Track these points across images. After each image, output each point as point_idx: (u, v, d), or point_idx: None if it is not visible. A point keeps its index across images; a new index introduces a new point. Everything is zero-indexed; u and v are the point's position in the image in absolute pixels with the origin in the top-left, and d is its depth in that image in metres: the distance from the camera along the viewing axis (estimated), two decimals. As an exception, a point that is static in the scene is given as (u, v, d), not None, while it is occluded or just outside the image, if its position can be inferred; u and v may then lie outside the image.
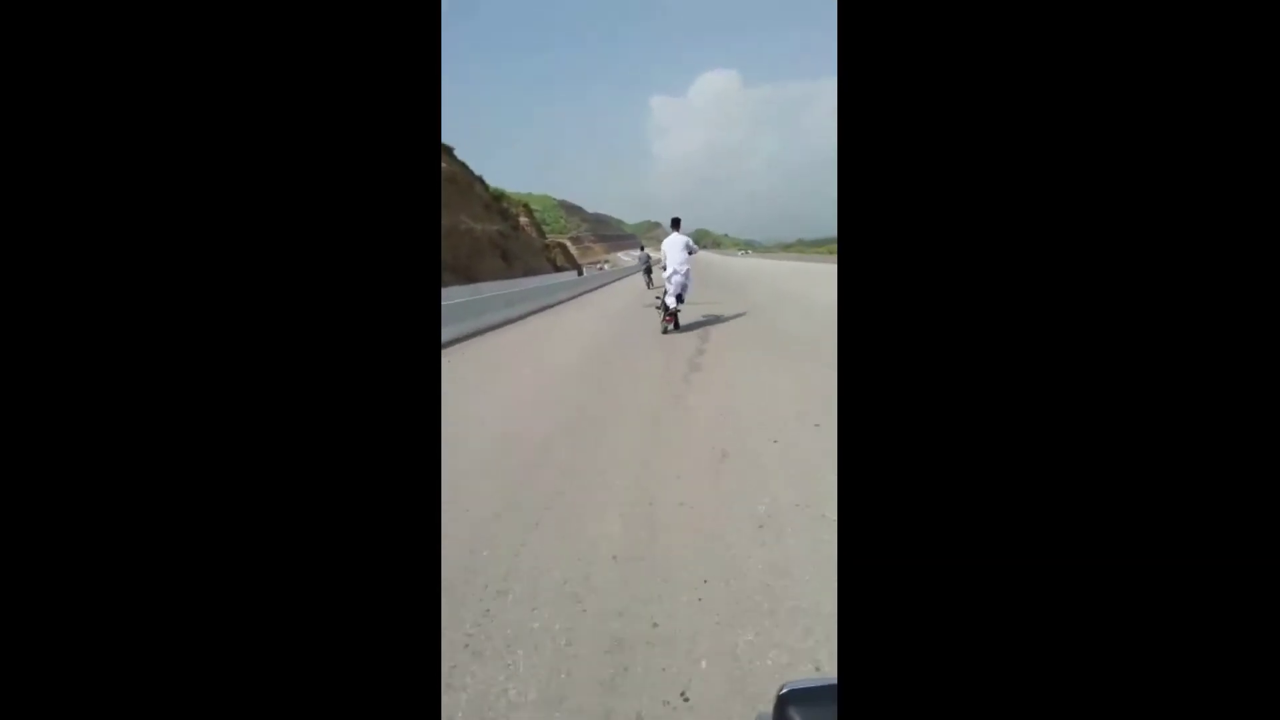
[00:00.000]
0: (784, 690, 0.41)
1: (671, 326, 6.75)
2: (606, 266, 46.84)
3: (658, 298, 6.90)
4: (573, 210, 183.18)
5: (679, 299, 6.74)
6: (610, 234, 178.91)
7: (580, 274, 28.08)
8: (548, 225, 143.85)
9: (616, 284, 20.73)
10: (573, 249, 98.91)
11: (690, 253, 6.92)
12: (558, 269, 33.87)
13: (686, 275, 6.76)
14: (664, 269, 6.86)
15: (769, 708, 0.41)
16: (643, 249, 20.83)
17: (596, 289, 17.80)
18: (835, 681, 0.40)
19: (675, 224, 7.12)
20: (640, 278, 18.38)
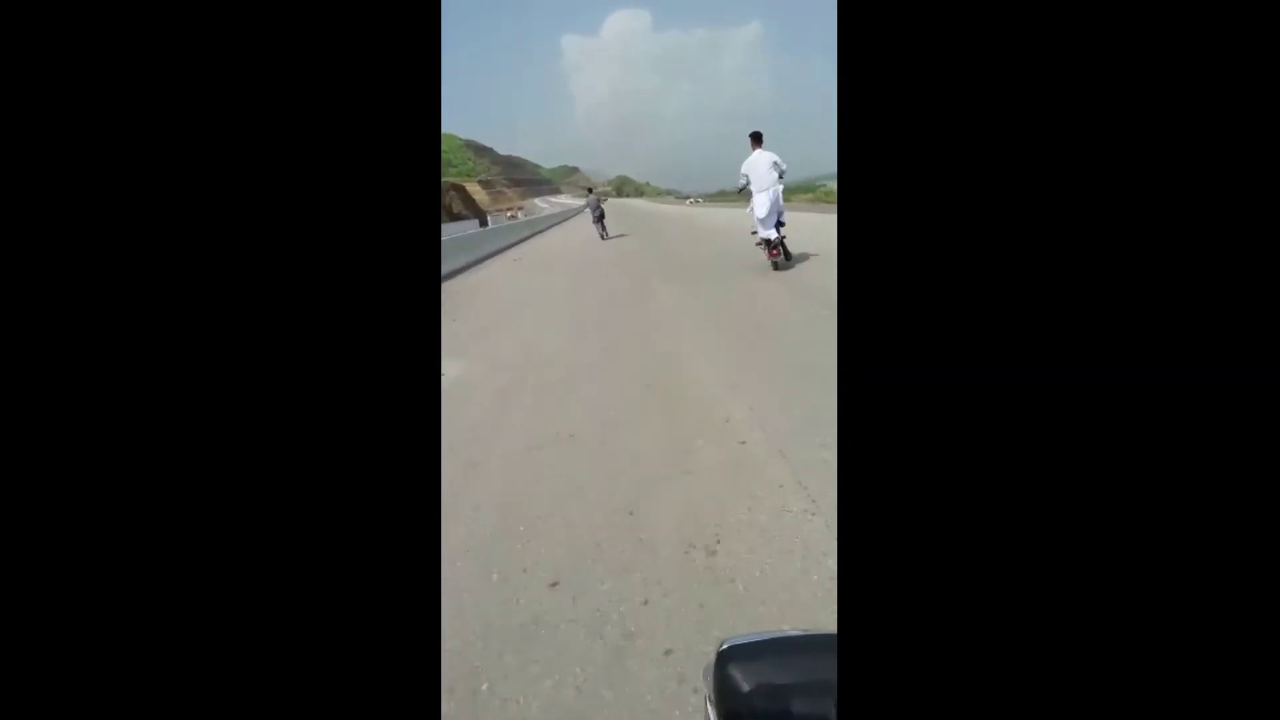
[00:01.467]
0: (724, 647, 0.41)
1: (782, 258, 5.98)
2: (520, 215, 39.71)
3: (754, 234, 6.23)
4: (482, 151, 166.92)
5: (779, 225, 5.95)
6: (525, 178, 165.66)
7: (484, 225, 22.02)
8: (453, 167, 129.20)
9: (540, 241, 16.03)
10: (479, 193, 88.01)
11: (780, 174, 5.82)
12: (454, 218, 27.09)
13: (778, 198, 5.81)
14: (748, 192, 5.98)
15: (711, 664, 0.41)
16: (590, 192, 17.65)
17: (503, 251, 13.24)
18: (773, 635, 0.42)
19: (756, 139, 5.87)
20: (589, 226, 16.02)
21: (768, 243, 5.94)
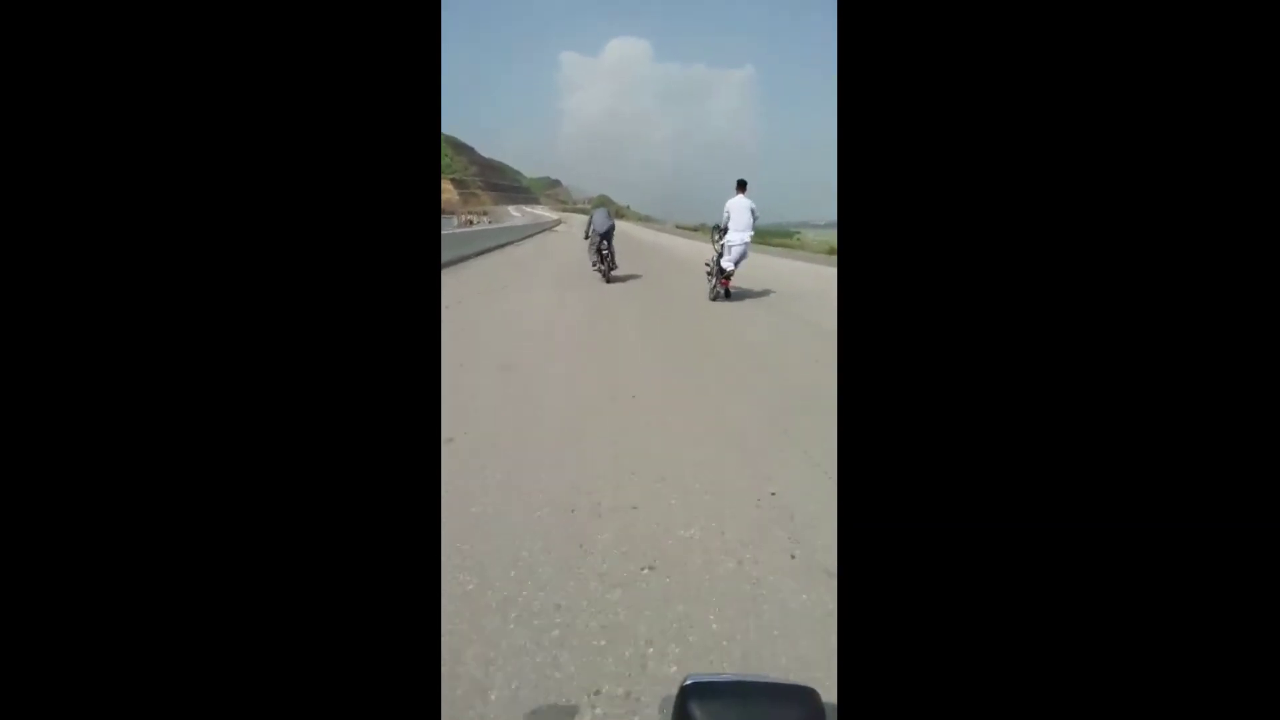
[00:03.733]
0: (687, 683, 0.42)
1: (723, 292, 6.77)
2: (484, 221, 34.66)
3: (707, 264, 7.36)
4: (462, 149, 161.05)
5: (735, 264, 6.76)
6: (504, 184, 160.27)
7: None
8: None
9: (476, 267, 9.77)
10: (448, 192, 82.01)
11: (754, 219, 6.73)
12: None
13: (747, 244, 6.74)
14: (722, 231, 6.82)
15: (672, 698, 0.42)
16: (602, 210, 9.46)
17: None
18: (736, 679, 0.42)
19: (741, 186, 6.87)
20: (567, 251, 10.22)
21: (722, 271, 6.73)
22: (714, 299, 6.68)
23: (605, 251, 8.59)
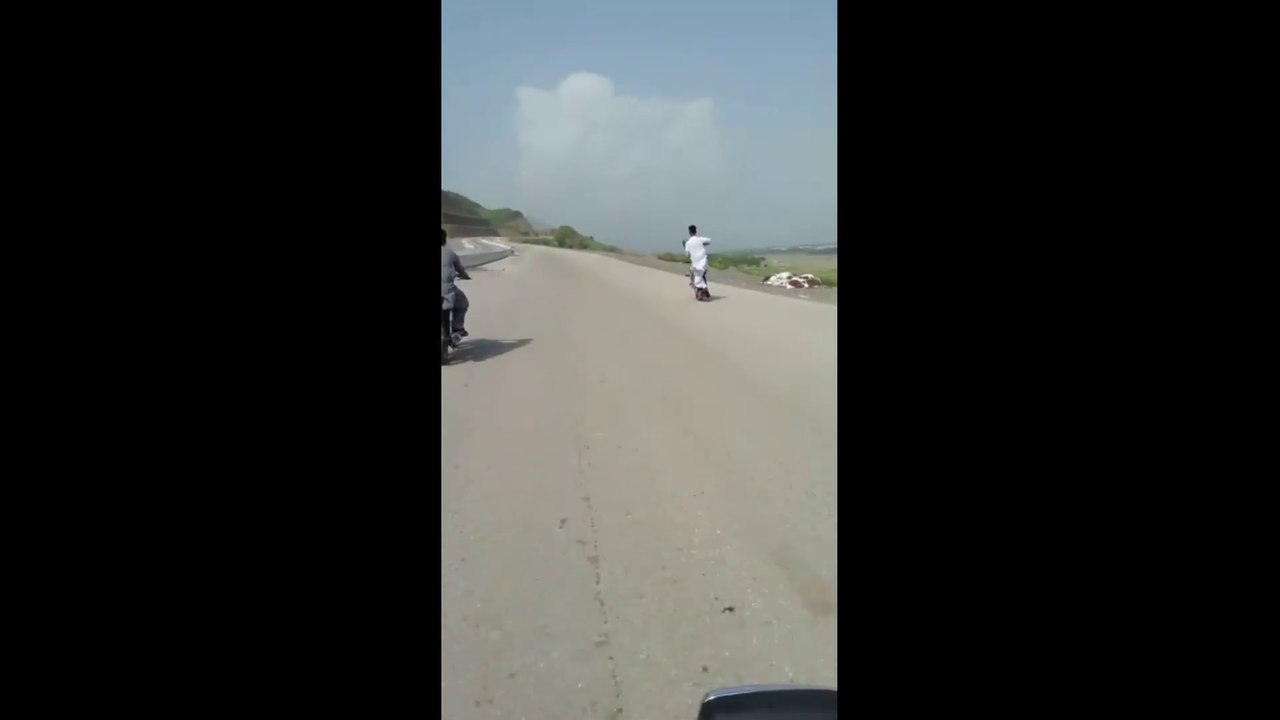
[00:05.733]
0: (709, 699, 0.41)
1: (705, 298, 10.85)
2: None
3: (688, 275, 11.33)
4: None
5: (704, 277, 11.05)
6: (461, 216, 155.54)
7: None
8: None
9: None
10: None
11: (706, 248, 11.01)
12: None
13: (705, 262, 11.04)
14: (688, 259, 11.17)
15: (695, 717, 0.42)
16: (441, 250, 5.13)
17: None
18: (758, 690, 0.42)
19: (692, 230, 11.21)
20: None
21: (699, 289, 10.98)
22: (699, 299, 10.78)
23: (454, 315, 5.02)
